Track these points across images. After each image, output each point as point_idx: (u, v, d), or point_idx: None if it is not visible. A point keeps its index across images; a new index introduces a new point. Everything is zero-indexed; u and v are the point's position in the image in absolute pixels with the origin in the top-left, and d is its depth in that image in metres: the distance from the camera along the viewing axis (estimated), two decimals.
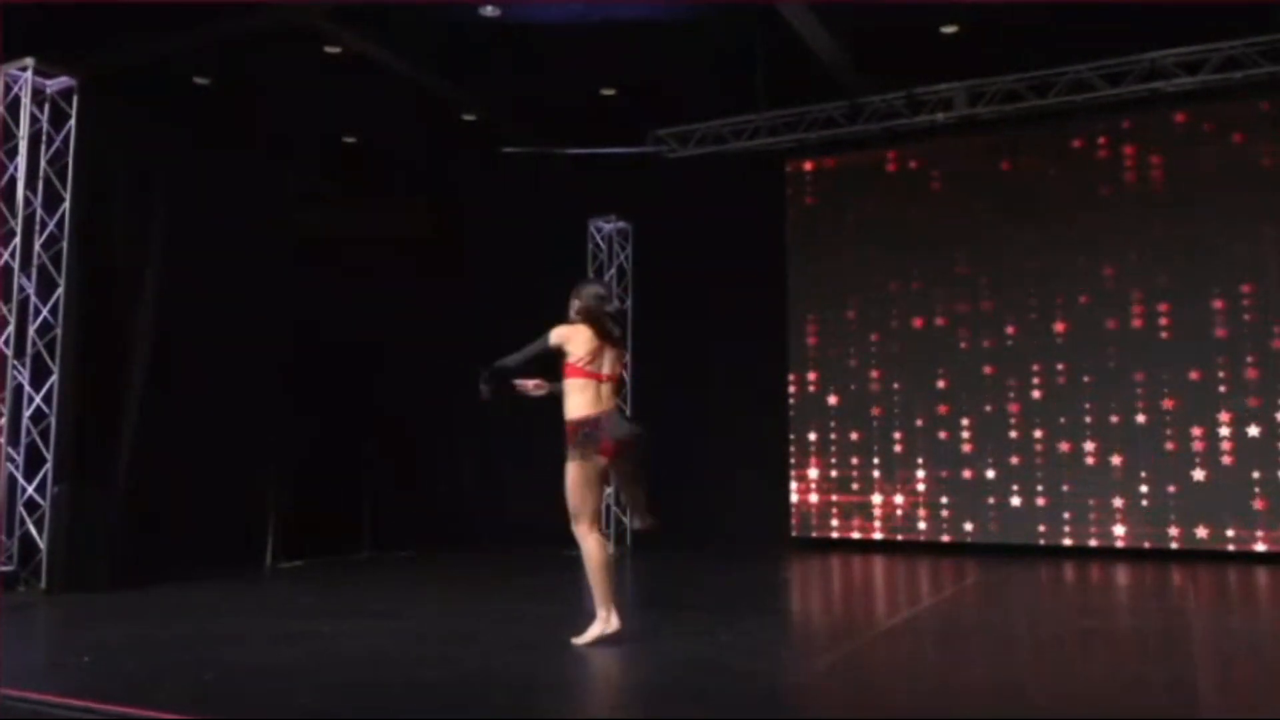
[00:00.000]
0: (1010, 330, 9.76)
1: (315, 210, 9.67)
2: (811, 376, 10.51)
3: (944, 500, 9.83)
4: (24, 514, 6.90)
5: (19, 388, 6.99)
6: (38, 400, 7.01)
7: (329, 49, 8.56)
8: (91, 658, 4.68)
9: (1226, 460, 8.87)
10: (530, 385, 5.26)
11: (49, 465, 6.95)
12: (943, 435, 9.90)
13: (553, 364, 5.18)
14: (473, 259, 11.33)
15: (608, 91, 9.73)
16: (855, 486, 10.20)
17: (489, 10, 8.02)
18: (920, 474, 9.94)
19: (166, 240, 8.07)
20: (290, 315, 9.26)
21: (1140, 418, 9.21)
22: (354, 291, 9.92)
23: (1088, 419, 9.38)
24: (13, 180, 7.02)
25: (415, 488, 10.72)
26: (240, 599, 6.92)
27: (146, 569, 7.31)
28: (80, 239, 7.29)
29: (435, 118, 10.08)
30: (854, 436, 10.26)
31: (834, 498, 10.27)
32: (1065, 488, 9.39)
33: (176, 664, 4.59)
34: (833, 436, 10.35)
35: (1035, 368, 9.62)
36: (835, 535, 10.20)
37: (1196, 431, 9.00)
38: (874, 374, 10.25)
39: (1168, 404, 9.12)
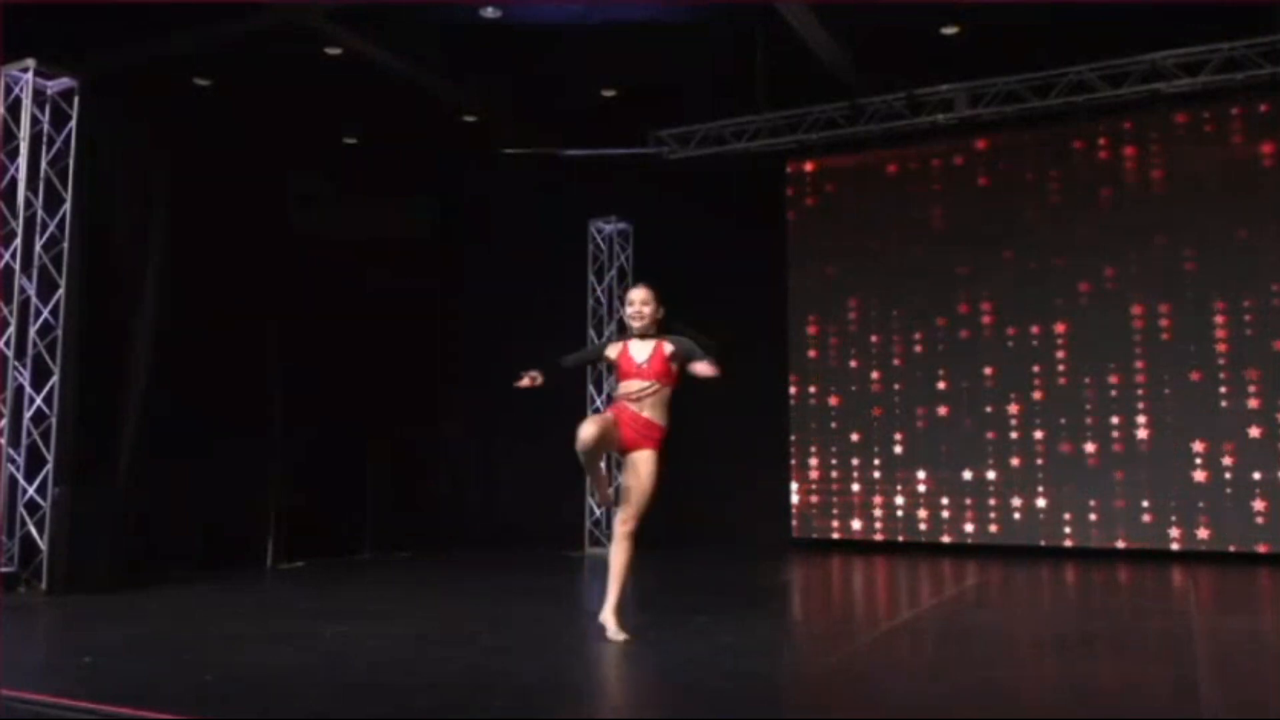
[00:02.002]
0: (1011, 331, 9.76)
1: (315, 211, 9.67)
2: (812, 378, 10.51)
3: (944, 501, 9.83)
4: (25, 515, 6.90)
5: (20, 389, 6.99)
6: (38, 401, 7.02)
7: (329, 50, 8.56)
8: (92, 658, 4.68)
9: (1227, 461, 8.87)
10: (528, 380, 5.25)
11: (50, 466, 6.95)
12: (944, 436, 9.90)
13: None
14: (473, 260, 11.35)
15: (608, 92, 9.74)
16: (856, 487, 10.19)
17: (489, 11, 8.03)
18: (920, 475, 9.94)
19: (167, 241, 8.07)
20: (290, 315, 9.26)
21: (1141, 419, 9.21)
22: (354, 292, 9.92)
23: (1088, 420, 9.38)
24: (14, 181, 7.02)
25: (415, 489, 10.73)
26: (240, 600, 6.92)
27: (147, 570, 7.31)
28: (81, 240, 7.30)
29: (436, 119, 10.09)
30: (854, 437, 10.26)
31: (834, 498, 10.27)
32: (1066, 489, 9.39)
33: (177, 665, 4.59)
34: (833, 437, 10.35)
35: (1036, 368, 9.62)
36: (835, 536, 10.20)
37: (1197, 433, 8.99)
38: (874, 374, 10.25)
39: (1169, 405, 9.12)
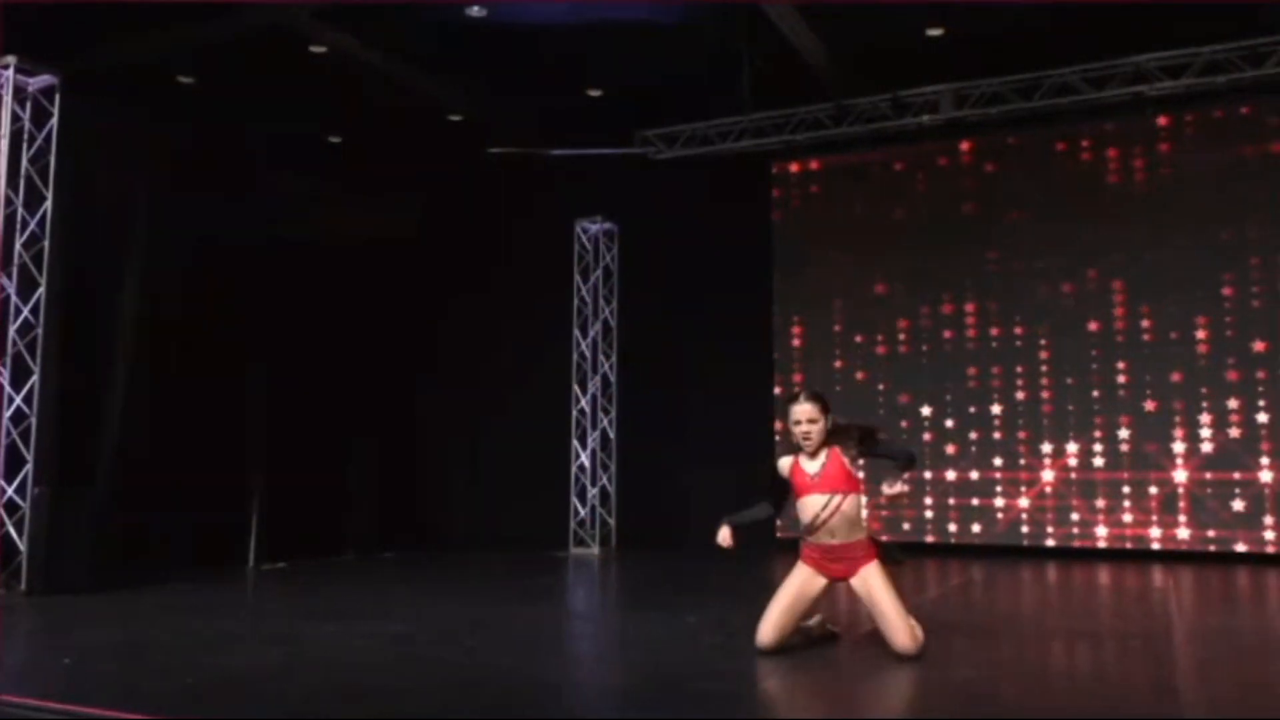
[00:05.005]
0: (994, 332, 9.81)
1: (301, 210, 9.63)
2: (796, 378, 10.52)
3: (928, 501, 9.86)
4: (4, 515, 6.83)
5: None
6: (18, 401, 6.95)
7: (314, 48, 8.53)
8: (72, 660, 4.65)
9: (1207, 461, 8.93)
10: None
11: (29, 466, 6.89)
12: (927, 437, 9.94)
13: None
14: (458, 259, 11.31)
15: (594, 92, 9.73)
16: None
17: (475, 10, 8.00)
18: (905, 475, 9.93)
19: (150, 239, 8.03)
20: (275, 315, 9.22)
21: (1122, 419, 9.26)
22: (336, 291, 9.88)
23: (1071, 420, 9.43)
24: None
25: (400, 489, 10.70)
26: (223, 601, 6.88)
27: (128, 571, 7.26)
28: (62, 238, 7.24)
29: (421, 117, 10.05)
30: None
31: None
32: (1048, 488, 9.45)
33: (158, 666, 4.56)
34: None
35: (1019, 369, 9.67)
36: None
37: (1178, 433, 9.06)
38: (859, 375, 10.28)
39: (1150, 405, 9.18)
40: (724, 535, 4.88)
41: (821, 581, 4.71)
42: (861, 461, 4.82)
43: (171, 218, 8.24)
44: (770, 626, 4.63)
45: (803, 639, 4.81)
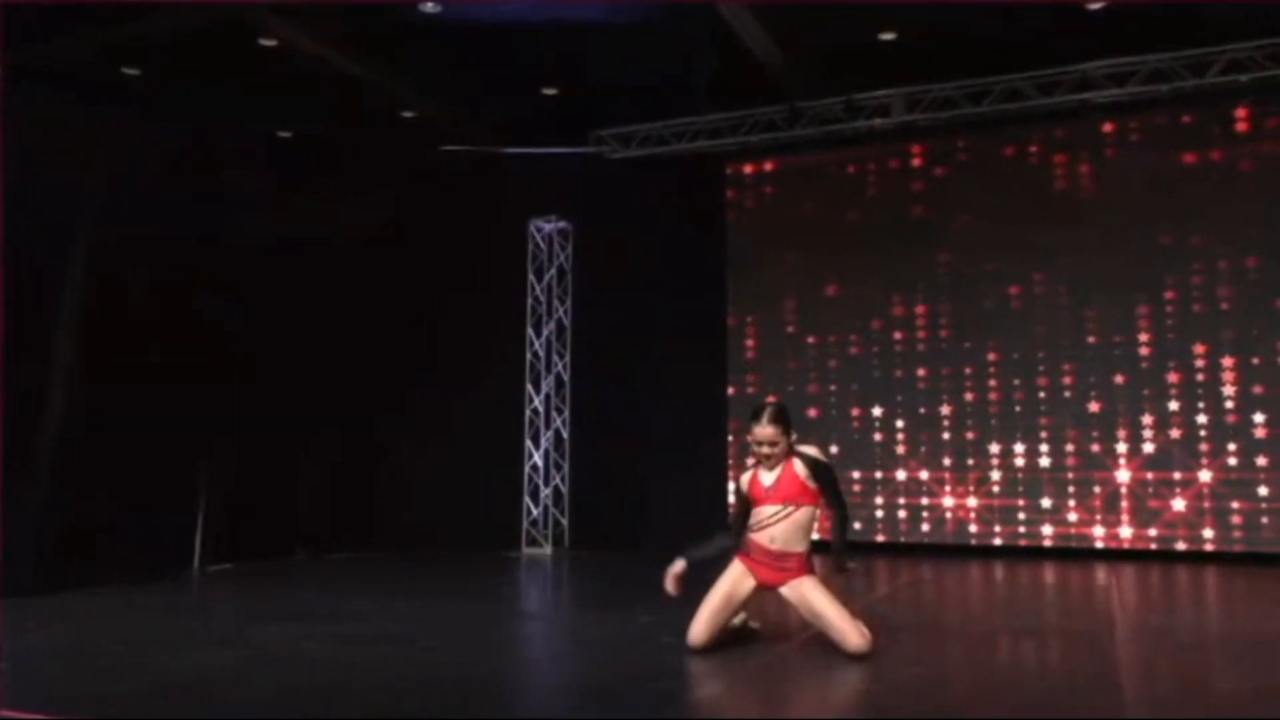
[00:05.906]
0: (944, 334, 9.94)
1: (252, 209, 9.46)
2: (750, 378, 10.58)
3: (878, 500, 9.97)
4: None
5: None
6: None
7: (264, 42, 8.40)
8: (10, 665, 4.54)
9: (1149, 462, 9.14)
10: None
11: None
12: (878, 437, 10.05)
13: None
14: (410, 258, 11.20)
15: (550, 90, 9.70)
16: None
17: (429, 6, 7.94)
18: (856, 474, 10.07)
19: (97, 235, 7.84)
20: (224, 314, 9.06)
21: (1068, 419, 9.44)
22: (289, 290, 9.73)
23: (1017, 421, 9.60)
24: None
25: (351, 489, 10.58)
26: (168, 603, 6.76)
27: (70, 573, 7.10)
28: (3, 234, 7.05)
29: (373, 114, 9.94)
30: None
31: None
32: (996, 488, 9.60)
33: (98, 670, 4.46)
34: None
35: (968, 370, 9.81)
36: None
37: (1121, 434, 9.25)
38: (811, 376, 10.37)
39: (1094, 407, 9.37)
40: (676, 569, 4.92)
41: (751, 583, 4.80)
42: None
43: (123, 213, 8.03)
44: (702, 627, 4.73)
45: (730, 636, 4.90)
